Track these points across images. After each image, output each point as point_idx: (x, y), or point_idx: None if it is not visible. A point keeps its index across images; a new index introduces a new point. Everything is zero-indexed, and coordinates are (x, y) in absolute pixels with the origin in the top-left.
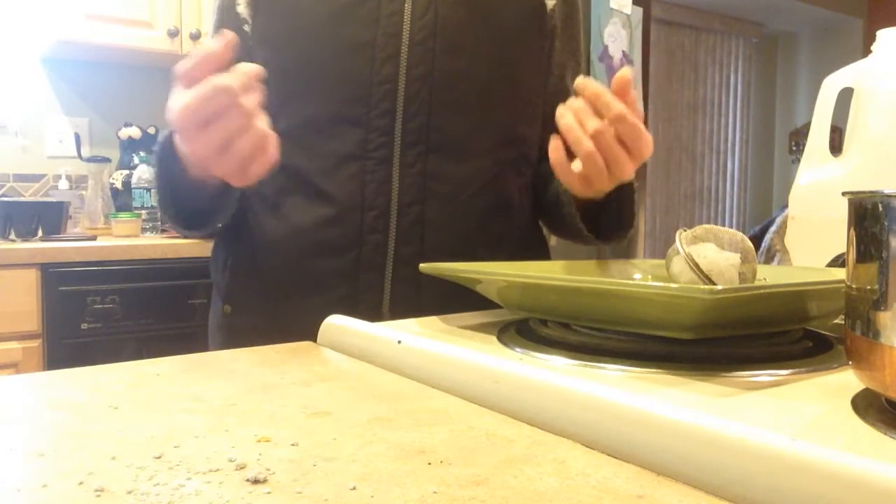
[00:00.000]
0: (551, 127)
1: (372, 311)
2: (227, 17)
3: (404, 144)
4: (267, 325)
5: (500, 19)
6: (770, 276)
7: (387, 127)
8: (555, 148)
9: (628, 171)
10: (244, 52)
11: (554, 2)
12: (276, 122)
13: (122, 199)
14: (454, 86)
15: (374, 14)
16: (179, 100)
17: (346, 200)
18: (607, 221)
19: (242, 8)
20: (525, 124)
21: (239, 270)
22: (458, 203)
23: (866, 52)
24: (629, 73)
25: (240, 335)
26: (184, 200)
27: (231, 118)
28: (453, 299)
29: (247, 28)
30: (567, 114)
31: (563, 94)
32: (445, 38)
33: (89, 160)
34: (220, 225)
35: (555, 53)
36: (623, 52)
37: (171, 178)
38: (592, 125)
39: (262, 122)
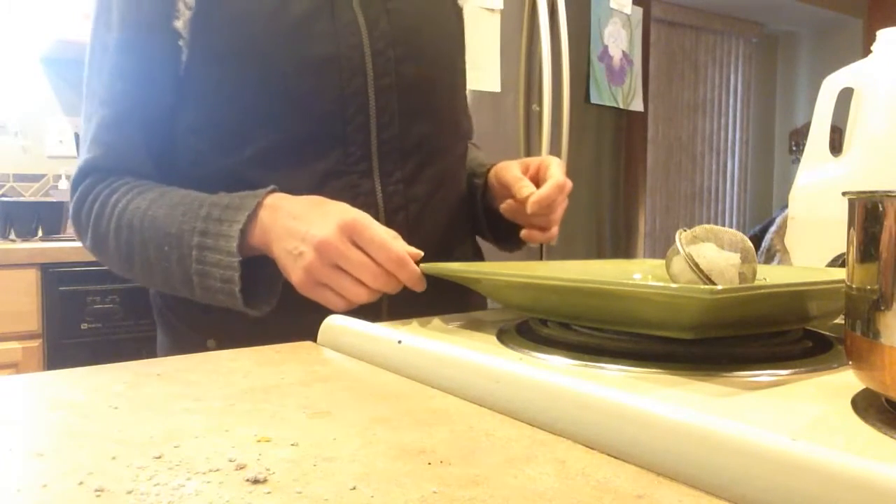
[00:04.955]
0: None
1: (372, 318)
2: (156, 28)
3: (381, 154)
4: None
5: (445, 24)
6: (770, 276)
7: (364, 139)
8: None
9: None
10: (176, 70)
11: (462, 3)
12: (244, 148)
13: None
14: (418, 92)
15: (331, 28)
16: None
17: None
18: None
19: (181, 24)
20: (465, 119)
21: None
22: (434, 203)
23: (866, 52)
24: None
25: None
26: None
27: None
28: (447, 294)
29: (181, 44)
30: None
31: None
32: (405, 46)
33: None
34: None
35: None
36: (623, 52)
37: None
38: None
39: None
